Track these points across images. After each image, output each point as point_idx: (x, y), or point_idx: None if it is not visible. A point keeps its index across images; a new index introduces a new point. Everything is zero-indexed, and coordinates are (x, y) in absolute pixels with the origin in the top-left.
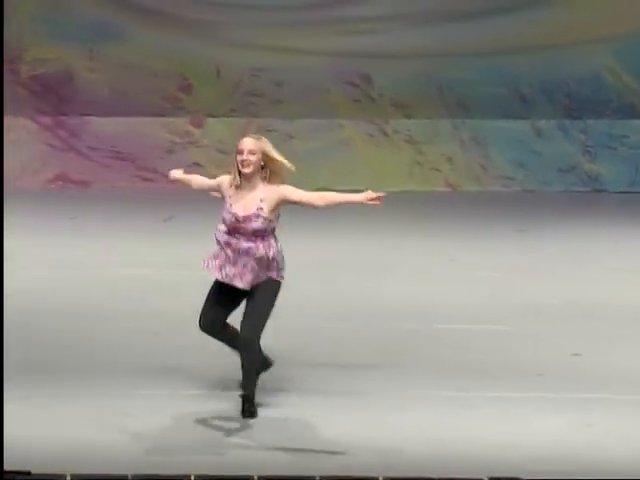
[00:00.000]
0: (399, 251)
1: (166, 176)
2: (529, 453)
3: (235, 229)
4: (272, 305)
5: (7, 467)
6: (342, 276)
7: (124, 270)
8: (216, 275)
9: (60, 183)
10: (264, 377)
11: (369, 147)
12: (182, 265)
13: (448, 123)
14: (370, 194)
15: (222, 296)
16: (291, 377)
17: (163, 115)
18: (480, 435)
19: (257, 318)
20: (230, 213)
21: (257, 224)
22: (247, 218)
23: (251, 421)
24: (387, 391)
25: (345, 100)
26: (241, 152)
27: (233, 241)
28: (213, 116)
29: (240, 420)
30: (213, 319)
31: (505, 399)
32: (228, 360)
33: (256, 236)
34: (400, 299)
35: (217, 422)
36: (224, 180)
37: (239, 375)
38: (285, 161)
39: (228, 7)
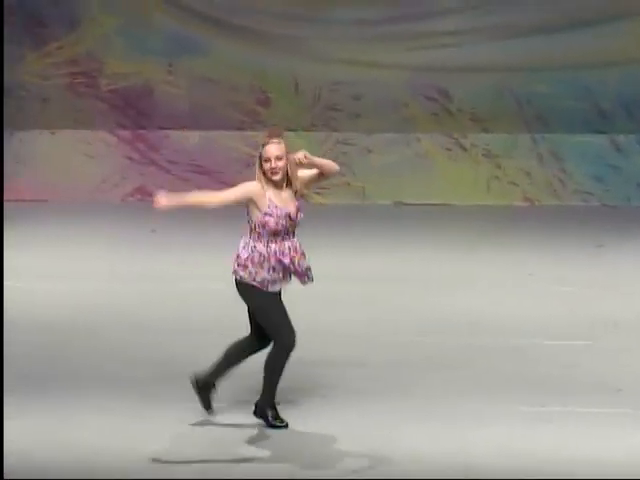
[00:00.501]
0: (477, 265)
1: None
2: (608, 469)
3: (286, 229)
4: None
5: None
6: (419, 290)
7: (203, 284)
8: (275, 289)
9: (139, 196)
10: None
11: (447, 161)
12: None
13: (527, 137)
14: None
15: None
16: (370, 390)
17: (242, 129)
18: (557, 450)
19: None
20: (280, 213)
21: (301, 216)
22: (298, 210)
23: (339, 435)
24: (464, 405)
25: (423, 114)
26: (268, 160)
27: (286, 243)
28: (291, 130)
29: (307, 434)
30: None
31: (583, 414)
32: (305, 371)
33: (292, 235)
34: (477, 313)
35: (288, 434)
36: (254, 189)
37: (306, 385)
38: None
39: (307, 21)
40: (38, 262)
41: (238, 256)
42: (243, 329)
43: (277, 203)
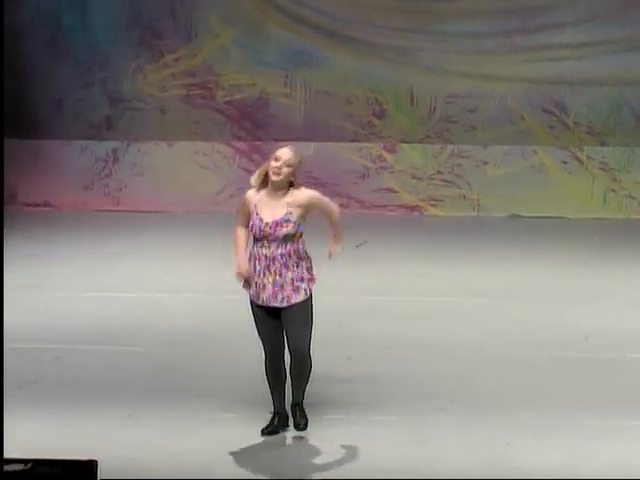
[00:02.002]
0: (592, 278)
1: (360, 202)
2: None
3: (263, 236)
4: (311, 315)
5: None
6: (533, 304)
7: (319, 295)
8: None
9: None
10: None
11: (563, 174)
12: (375, 291)
13: None
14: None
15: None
16: (483, 403)
17: (357, 140)
18: None
19: (304, 330)
20: (259, 220)
21: (286, 229)
22: (275, 224)
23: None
24: (579, 420)
25: (539, 127)
26: (277, 159)
27: (263, 250)
28: (407, 142)
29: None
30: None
31: None
32: (417, 385)
33: (287, 243)
34: (592, 327)
35: (403, 447)
36: (247, 198)
37: (425, 397)
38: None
39: (423, 34)
40: (154, 273)
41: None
42: (349, 339)
43: (259, 210)
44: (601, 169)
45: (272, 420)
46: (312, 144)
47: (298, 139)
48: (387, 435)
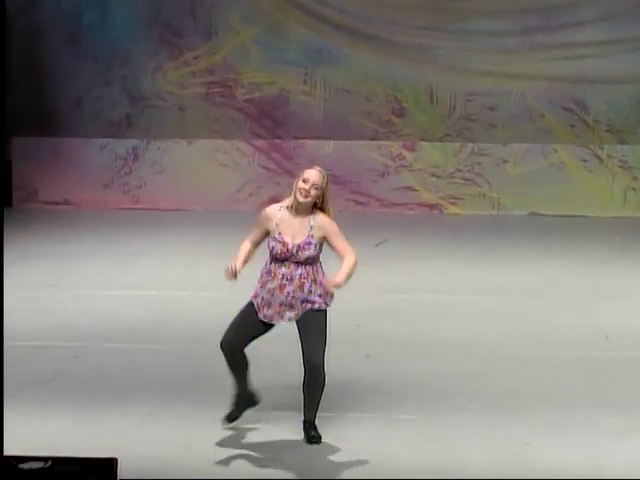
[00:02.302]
0: (612, 277)
1: (379, 200)
2: None
3: (286, 258)
4: (326, 331)
5: None
6: (554, 302)
7: (336, 294)
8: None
9: None
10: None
11: (583, 172)
12: (394, 289)
13: None
14: (332, 284)
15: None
16: (503, 402)
17: (376, 139)
18: None
19: (320, 346)
20: (280, 242)
21: (308, 252)
22: (298, 246)
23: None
24: (599, 419)
25: (559, 125)
26: (306, 181)
27: (282, 269)
28: (426, 140)
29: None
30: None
31: None
32: (436, 384)
33: (306, 264)
34: (613, 325)
35: (422, 446)
36: (266, 215)
37: (443, 396)
38: (330, 209)
39: (443, 32)
40: (174, 271)
41: None
42: (368, 337)
43: (281, 230)
44: (621, 167)
45: (233, 406)
46: (332, 142)
47: (317, 137)
48: (407, 434)
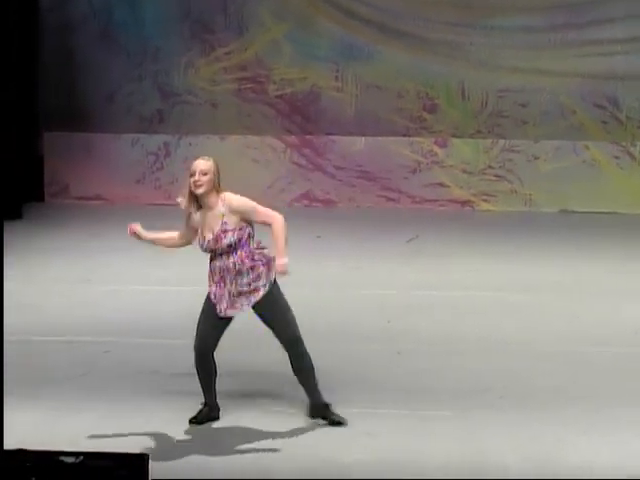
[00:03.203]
0: None
1: (410, 197)
2: None
3: (212, 250)
4: (286, 304)
5: None
6: (584, 299)
7: (368, 291)
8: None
9: (305, 202)
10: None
11: (614, 169)
12: (425, 286)
13: None
14: (281, 267)
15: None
16: (531, 399)
17: (408, 135)
18: None
19: (289, 320)
20: (201, 239)
21: (226, 240)
22: (216, 239)
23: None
24: (628, 416)
25: (591, 122)
26: (193, 174)
27: (216, 263)
28: (458, 136)
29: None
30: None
31: None
32: (466, 381)
33: (235, 250)
34: None
35: (453, 442)
36: (192, 218)
37: (476, 392)
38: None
39: (475, 28)
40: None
41: None
42: (399, 333)
43: (202, 228)
44: None
45: (200, 410)
46: (363, 138)
47: (349, 133)
48: (437, 430)
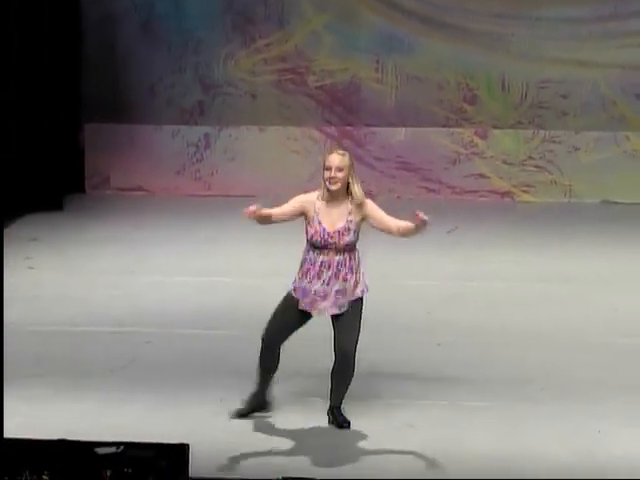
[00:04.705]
0: None
1: (451, 187)
2: None
3: (325, 245)
4: (361, 319)
5: None
6: (625, 290)
7: (407, 282)
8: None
9: None
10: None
11: None
12: (465, 277)
13: None
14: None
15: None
16: (569, 391)
17: (448, 126)
18: None
19: (353, 334)
20: (320, 229)
21: (348, 237)
22: (338, 233)
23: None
24: None
25: (632, 113)
26: (329, 169)
27: (320, 257)
28: (498, 127)
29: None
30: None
31: None
32: (507, 372)
33: (346, 250)
34: None
35: (493, 434)
36: (306, 199)
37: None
38: (358, 187)
39: (515, 19)
40: (248, 258)
41: None
42: (439, 325)
43: (321, 218)
44: None
45: (248, 402)
46: (403, 129)
47: (389, 124)
48: (477, 421)
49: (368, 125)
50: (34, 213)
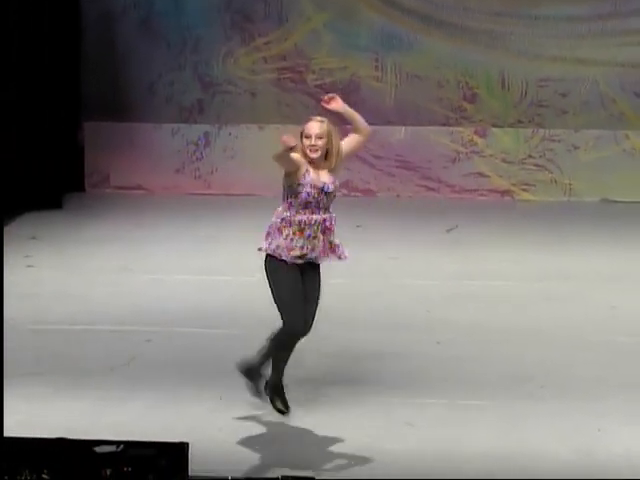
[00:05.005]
0: None
1: (450, 186)
2: None
3: (317, 202)
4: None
5: None
6: (625, 289)
7: (407, 280)
8: (295, 255)
9: (345, 191)
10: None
11: None
12: (465, 275)
13: None
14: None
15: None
16: (573, 389)
17: (447, 124)
18: None
19: (316, 306)
20: (315, 186)
21: (334, 195)
22: (326, 191)
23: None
24: None
25: (632, 111)
26: (309, 137)
27: (314, 216)
28: (498, 126)
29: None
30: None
31: None
32: (507, 371)
33: (328, 210)
34: None
35: (493, 432)
36: (299, 157)
37: (516, 381)
38: (338, 155)
39: (515, 17)
40: (247, 257)
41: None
42: (439, 323)
43: (312, 176)
44: None
45: (275, 396)
46: (402, 128)
47: (388, 123)
48: (477, 420)
49: (368, 123)
50: (34, 211)
